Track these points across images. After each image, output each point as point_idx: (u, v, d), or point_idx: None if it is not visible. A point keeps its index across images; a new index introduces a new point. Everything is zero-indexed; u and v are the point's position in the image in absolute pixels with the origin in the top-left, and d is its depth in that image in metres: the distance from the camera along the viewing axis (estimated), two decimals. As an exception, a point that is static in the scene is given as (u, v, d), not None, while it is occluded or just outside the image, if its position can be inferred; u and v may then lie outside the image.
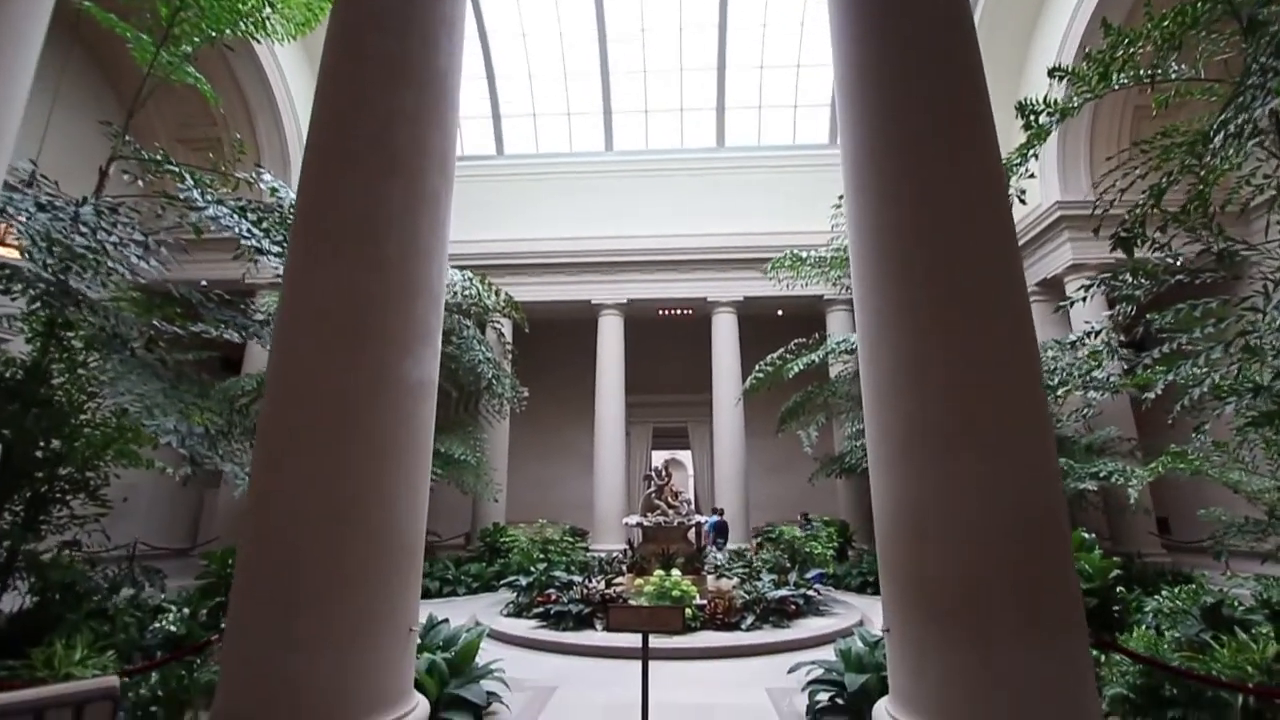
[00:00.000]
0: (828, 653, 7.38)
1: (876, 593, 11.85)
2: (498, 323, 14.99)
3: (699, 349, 16.80)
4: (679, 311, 18.12)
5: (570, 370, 17.73)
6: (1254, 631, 5.53)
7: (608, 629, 3.81)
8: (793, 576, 9.00)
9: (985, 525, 3.03)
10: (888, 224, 3.60)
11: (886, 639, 3.46)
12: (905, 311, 3.46)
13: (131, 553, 12.70)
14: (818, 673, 5.31)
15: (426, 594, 11.16)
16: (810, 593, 8.90)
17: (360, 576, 3.27)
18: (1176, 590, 7.65)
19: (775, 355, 13.31)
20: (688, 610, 7.76)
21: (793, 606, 8.35)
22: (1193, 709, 4.74)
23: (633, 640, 7.71)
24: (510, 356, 15.17)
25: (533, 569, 9.22)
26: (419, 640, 6.43)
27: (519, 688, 6.17)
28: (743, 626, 7.84)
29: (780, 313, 17.08)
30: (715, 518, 13.99)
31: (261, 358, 14.11)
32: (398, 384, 3.52)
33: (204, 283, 14.91)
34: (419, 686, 4.97)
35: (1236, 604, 6.54)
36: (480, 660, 6.28)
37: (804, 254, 12.91)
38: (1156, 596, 6.84)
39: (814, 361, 12.54)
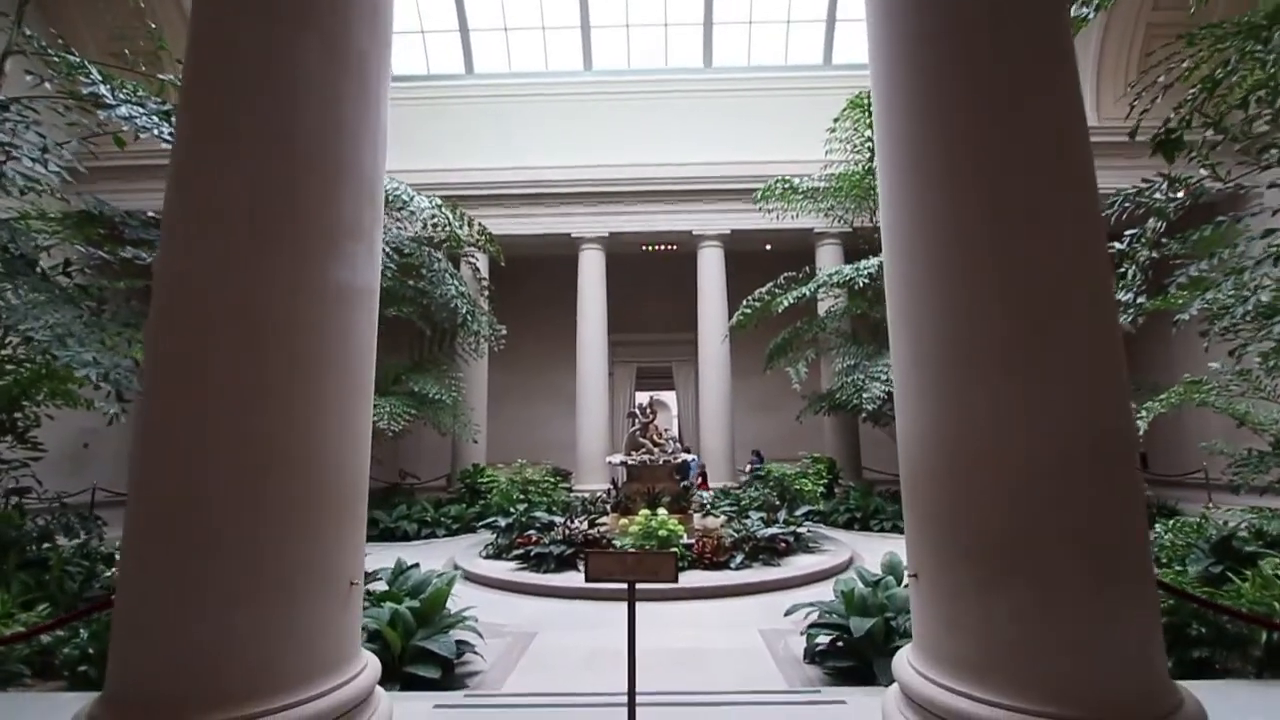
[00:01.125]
0: (820, 591, 7.03)
1: (864, 528, 11.72)
2: (472, 257, 14.13)
3: (684, 287, 16.09)
4: (664, 247, 17.30)
5: (553, 309, 16.97)
6: (1272, 564, 5.21)
7: (588, 579, 3.25)
8: (782, 514, 8.61)
9: (1045, 456, 2.47)
10: (927, 113, 2.90)
11: (913, 584, 2.95)
12: (946, 221, 2.80)
13: (92, 500, 12.05)
14: (816, 615, 4.89)
15: (405, 537, 10.76)
16: (800, 530, 8.54)
17: (283, 523, 2.66)
18: (1172, 523, 7.37)
19: (763, 290, 12.69)
20: (675, 551, 7.34)
21: (783, 544, 7.98)
22: (1219, 647, 4.39)
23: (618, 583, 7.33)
24: (487, 294, 14.38)
25: (512, 510, 8.75)
26: (385, 588, 5.95)
27: (496, 634, 5.72)
28: (732, 565, 7.45)
29: (769, 247, 16.33)
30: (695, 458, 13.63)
31: None
32: (322, 291, 2.83)
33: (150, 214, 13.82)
34: (381, 640, 4.48)
35: (1244, 537, 6.24)
36: (454, 606, 5.81)
37: (796, 181, 12.11)
38: (1152, 531, 6.51)
39: (804, 296, 11.94)
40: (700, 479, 12.42)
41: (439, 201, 11.39)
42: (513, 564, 7.92)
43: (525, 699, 4.00)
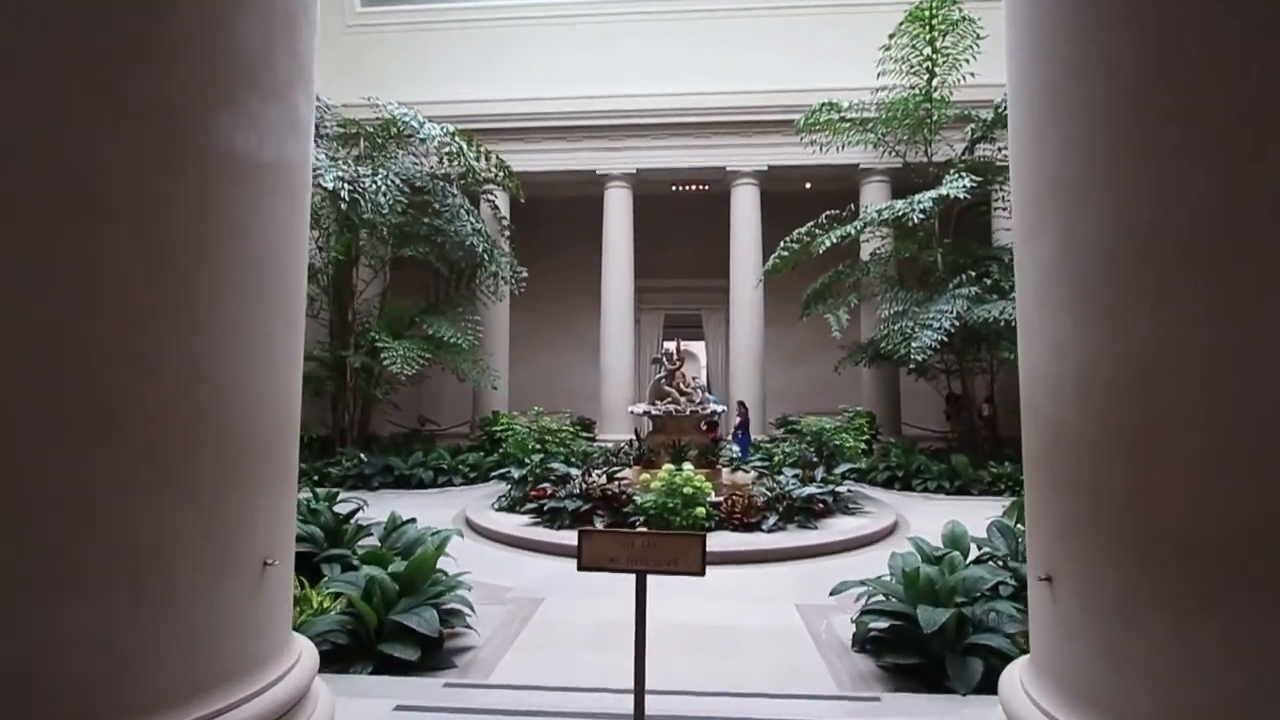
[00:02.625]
0: (864, 561, 6.18)
1: (906, 488, 10.67)
2: (491, 194, 13.16)
3: (715, 231, 14.91)
4: (694, 187, 16.07)
5: (578, 253, 15.97)
6: None
7: (582, 567, 2.43)
8: (819, 472, 7.74)
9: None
10: None
11: (1039, 590, 2.04)
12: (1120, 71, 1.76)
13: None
14: (870, 598, 4.03)
15: (421, 484, 10.18)
16: (839, 489, 7.67)
17: (147, 488, 1.86)
18: None
19: (802, 230, 11.52)
20: (701, 509, 6.54)
21: (820, 505, 7.13)
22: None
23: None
24: (508, 234, 13.46)
25: (526, 460, 8.03)
26: (377, 544, 5.27)
27: (498, 599, 5.02)
28: (764, 527, 6.64)
29: (808, 186, 14.98)
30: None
31: None
32: (203, 161, 1.95)
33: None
34: (355, 613, 3.77)
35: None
36: (457, 564, 5.12)
37: (843, 104, 10.77)
38: None
39: (848, 235, 10.75)
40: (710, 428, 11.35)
41: (452, 130, 10.37)
42: (525, 518, 7.23)
43: (510, 696, 3.25)
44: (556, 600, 5.01)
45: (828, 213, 11.50)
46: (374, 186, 9.80)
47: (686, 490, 6.58)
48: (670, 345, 8.76)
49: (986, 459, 10.57)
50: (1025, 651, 3.47)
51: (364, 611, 3.69)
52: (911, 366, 9.83)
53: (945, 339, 9.39)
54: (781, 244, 11.56)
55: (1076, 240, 1.87)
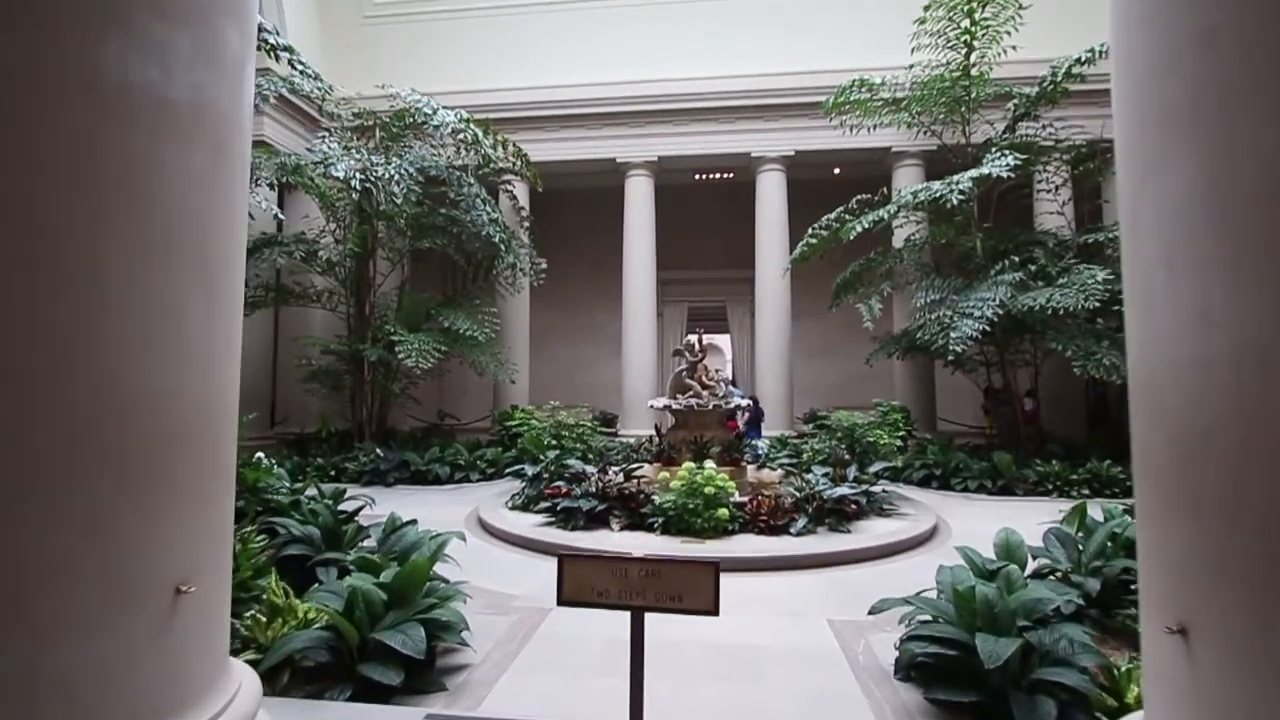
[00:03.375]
0: (901, 567, 5.63)
1: (944, 487, 9.94)
2: (509, 185, 12.78)
3: (740, 220, 14.33)
4: (718, 176, 15.51)
5: (600, 245, 15.55)
6: None
7: (561, 601, 1.98)
8: (851, 471, 7.17)
9: None
10: None
11: (1166, 644, 1.52)
12: None
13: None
14: (916, 620, 3.51)
15: (437, 480, 9.86)
16: (873, 489, 7.10)
17: (24, 499, 1.45)
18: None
19: (831, 216, 10.89)
20: (724, 511, 6.05)
21: (853, 506, 6.57)
22: None
23: (655, 544, 6.13)
24: (527, 226, 13.06)
25: (541, 457, 7.62)
26: (372, 553, 4.89)
27: (503, 609, 4.61)
28: (792, 531, 6.11)
29: (837, 171, 14.33)
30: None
31: (262, 208, 12.29)
32: (91, 90, 1.54)
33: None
34: (335, 630, 3.38)
35: None
36: (459, 570, 4.76)
37: (875, 81, 10.12)
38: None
39: (881, 220, 10.09)
40: (750, 429, 10.97)
41: (466, 117, 9.99)
42: (539, 518, 6.83)
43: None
44: (563, 611, 4.55)
45: (859, 197, 10.86)
46: (387, 175, 9.47)
47: (708, 490, 6.10)
48: (692, 337, 8.26)
49: (1030, 457, 9.87)
50: (1105, 690, 2.93)
51: (344, 629, 3.29)
52: (950, 358, 9.17)
53: (988, 329, 8.72)
54: (809, 231, 10.95)
55: (1236, 170, 1.33)
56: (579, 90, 13.20)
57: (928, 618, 3.46)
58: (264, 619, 3.56)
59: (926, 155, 12.61)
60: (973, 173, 9.10)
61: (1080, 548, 4.64)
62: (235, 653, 2.81)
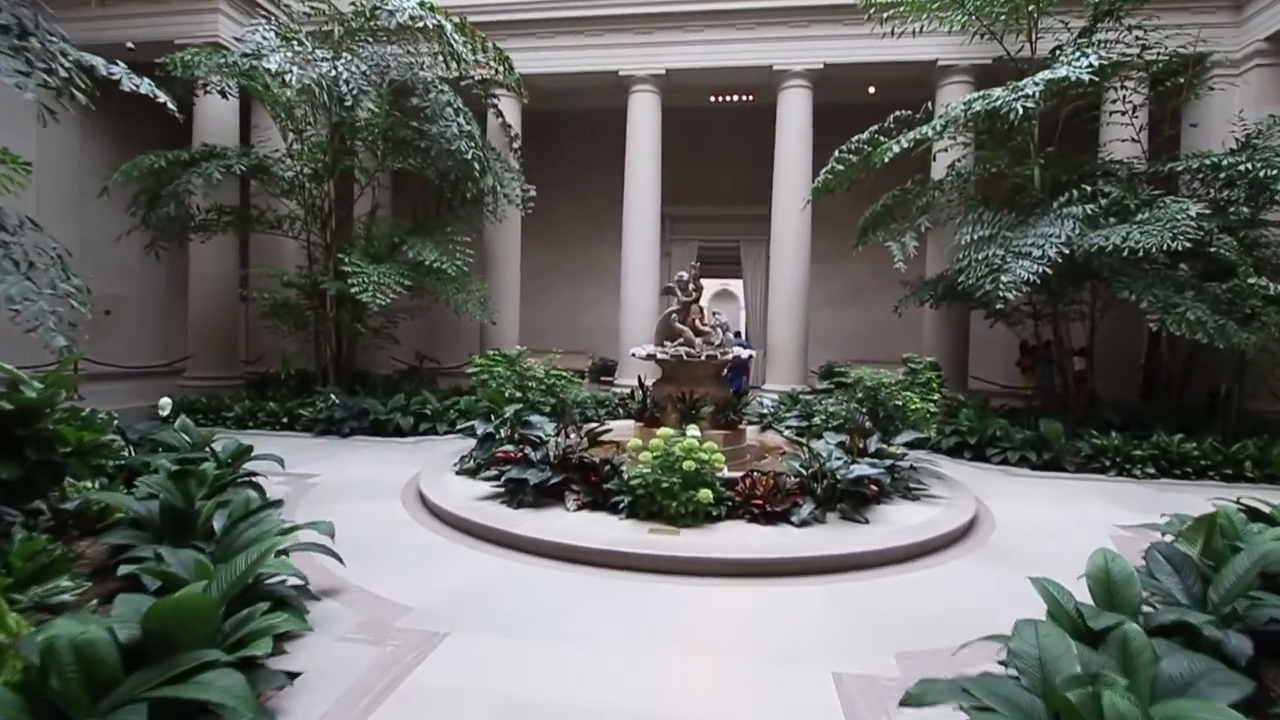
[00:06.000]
0: (934, 577, 4.14)
1: (978, 458, 7.54)
2: (496, 99, 10.95)
3: (759, 150, 12.42)
4: (735, 98, 13.46)
5: (603, 177, 13.73)
6: None
7: None
8: (873, 441, 5.63)
9: None
10: None
11: None
12: None
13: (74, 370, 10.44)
14: (977, 697, 2.04)
15: (399, 431, 8.57)
16: (900, 464, 5.59)
17: None
18: None
19: (862, 136, 9.00)
20: (706, 492, 4.59)
21: (873, 488, 5.06)
22: None
23: (615, 533, 4.71)
24: (517, 150, 11.30)
25: (495, 413, 6.20)
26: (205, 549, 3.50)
27: (381, 632, 3.23)
28: (794, 519, 4.65)
29: (872, 91, 12.22)
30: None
31: (221, 120, 10.73)
32: None
33: (131, 45, 11.30)
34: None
35: None
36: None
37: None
38: None
39: (923, 139, 8.19)
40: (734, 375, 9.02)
41: (428, 2, 8.14)
42: (485, 487, 5.46)
43: None
44: (463, 639, 3.18)
45: (896, 113, 8.92)
46: (333, 73, 7.77)
47: (687, 464, 4.63)
48: (684, 272, 6.64)
49: (1079, 425, 8.23)
50: None
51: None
52: (999, 306, 7.44)
53: (1048, 271, 6.95)
54: (835, 154, 9.08)
55: None
56: (573, -12, 11.17)
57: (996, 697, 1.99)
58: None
59: (978, 70, 10.49)
60: (1045, 74, 7.14)
61: (1206, 581, 3.10)
62: None
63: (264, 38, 7.75)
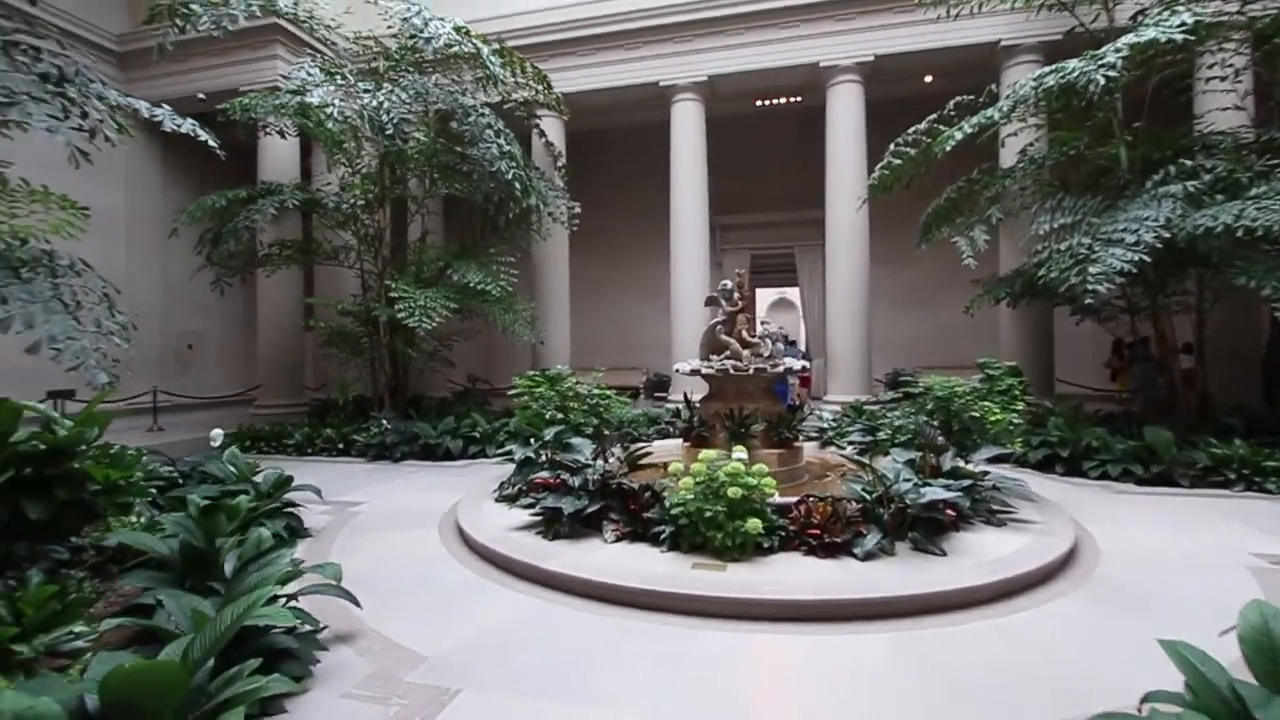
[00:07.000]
0: (1028, 621, 3.45)
1: (1072, 473, 6.44)
2: (537, 117, 10.85)
3: (809, 152, 11.82)
4: (781, 100, 12.91)
5: (651, 191, 13.47)
6: None
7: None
8: (947, 458, 4.94)
9: None
10: None
11: None
12: None
13: (154, 404, 10.97)
14: None
15: (448, 455, 8.42)
16: (982, 485, 4.88)
17: None
18: None
19: (921, 126, 8.29)
20: (755, 522, 4.08)
21: (950, 513, 4.40)
22: None
23: (656, 567, 4.24)
24: (561, 168, 11.16)
25: (534, 437, 5.89)
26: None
27: (388, 689, 2.89)
28: (857, 551, 4.07)
29: (929, 80, 11.42)
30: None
31: (281, 158, 11.12)
32: None
33: (202, 96, 11.91)
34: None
35: None
36: (360, 613, 3.15)
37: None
38: None
39: (989, 122, 7.41)
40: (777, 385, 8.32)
41: (462, 26, 8.08)
42: (523, 515, 5.12)
43: None
44: (475, 698, 2.81)
45: (957, 98, 8.18)
46: (374, 104, 7.81)
47: (732, 491, 4.13)
48: (729, 281, 6.16)
49: (1189, 431, 7.15)
50: None
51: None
52: (1086, 302, 6.55)
53: (1146, 258, 6.04)
54: (891, 148, 8.40)
55: None
56: (612, 3, 10.98)
57: None
58: None
59: (1048, 48, 9.58)
60: (1129, 38, 6.29)
61: None
62: None
63: (309, 74, 7.90)
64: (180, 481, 5.53)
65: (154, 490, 5.04)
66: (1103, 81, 6.27)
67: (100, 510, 3.87)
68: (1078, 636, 3.27)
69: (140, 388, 11.28)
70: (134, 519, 4.36)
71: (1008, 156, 9.15)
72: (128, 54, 11.72)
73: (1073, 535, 4.50)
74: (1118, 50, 6.32)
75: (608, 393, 6.76)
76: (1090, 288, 6.15)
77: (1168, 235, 6.22)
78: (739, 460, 4.37)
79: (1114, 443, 6.80)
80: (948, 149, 7.49)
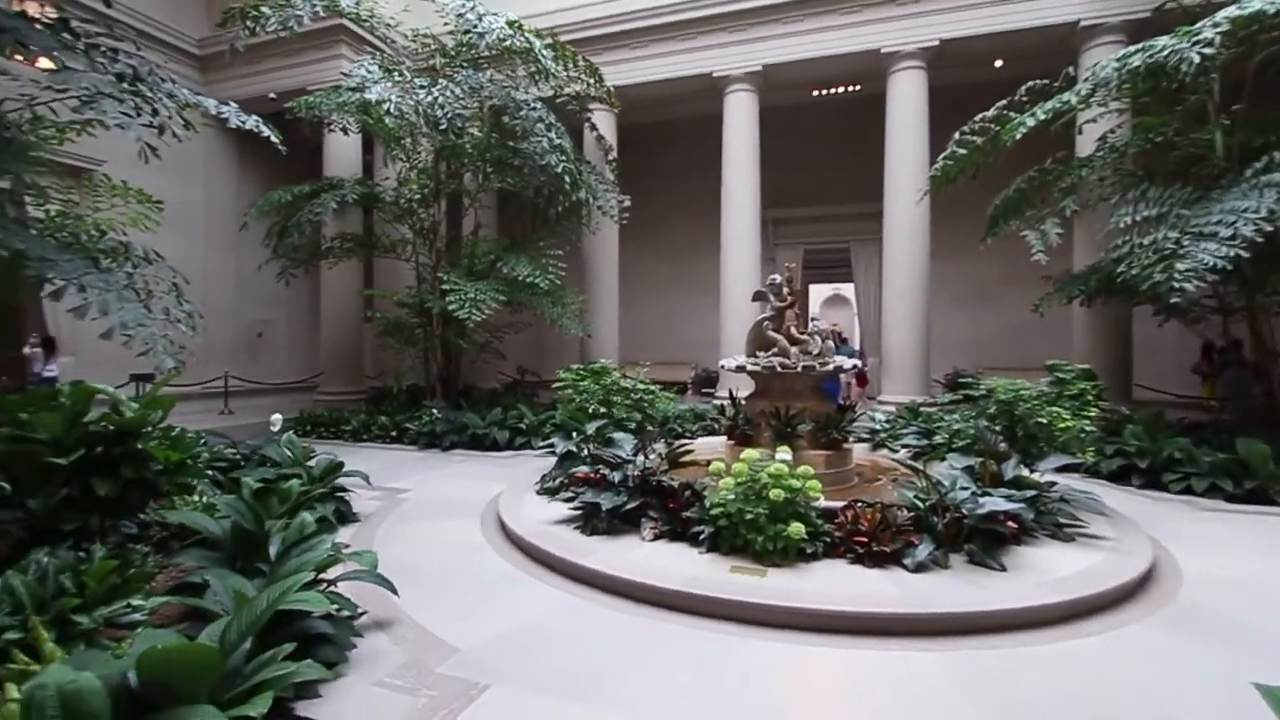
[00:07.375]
0: (1098, 647, 3.14)
1: (1151, 485, 5.81)
2: (589, 111, 10.80)
3: (867, 143, 11.37)
4: (838, 90, 12.46)
5: (706, 185, 13.24)
6: None
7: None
8: (1009, 466, 4.61)
9: None
10: None
11: None
12: None
13: (225, 388, 11.53)
14: None
15: (495, 445, 8.51)
16: (1047, 496, 4.53)
17: None
18: None
19: (989, 113, 7.80)
20: (798, 526, 3.90)
21: (1011, 525, 4.09)
22: None
23: (694, 569, 4.10)
24: (612, 161, 11.10)
25: (576, 431, 5.85)
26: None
27: (419, 679, 2.88)
28: (907, 562, 3.83)
29: (999, 65, 10.77)
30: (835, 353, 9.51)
31: (344, 155, 11.50)
32: None
33: (273, 95, 12.40)
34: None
35: None
36: (397, 601, 3.17)
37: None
38: None
39: (1065, 107, 6.89)
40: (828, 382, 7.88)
41: (515, 20, 8.09)
42: (562, 508, 5.09)
43: None
44: (503, 694, 2.76)
45: (1029, 83, 7.65)
46: (429, 99, 7.92)
47: (774, 494, 3.96)
48: (778, 276, 5.94)
49: (1288, 442, 6.47)
50: None
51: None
52: (1174, 300, 5.99)
53: (1243, 253, 5.47)
54: (955, 137, 7.94)
55: None
56: (662, -6, 10.82)
57: None
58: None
59: (1133, 27, 8.84)
60: (1230, 11, 5.70)
61: None
62: None
63: (367, 71, 8.08)
64: (241, 464, 5.77)
65: (214, 471, 5.28)
66: (1197, 60, 5.71)
67: (162, 489, 4.04)
68: (1154, 669, 2.96)
69: (213, 373, 11.92)
70: (196, 498, 4.54)
71: (1085, 144, 8.51)
72: (207, 57, 12.34)
73: (1150, 554, 4.11)
74: (1216, 25, 5.74)
75: (652, 388, 6.67)
76: (1177, 285, 5.63)
77: (1269, 228, 5.62)
78: (783, 461, 4.19)
79: (1200, 454, 6.23)
80: (1018, 137, 7.01)
